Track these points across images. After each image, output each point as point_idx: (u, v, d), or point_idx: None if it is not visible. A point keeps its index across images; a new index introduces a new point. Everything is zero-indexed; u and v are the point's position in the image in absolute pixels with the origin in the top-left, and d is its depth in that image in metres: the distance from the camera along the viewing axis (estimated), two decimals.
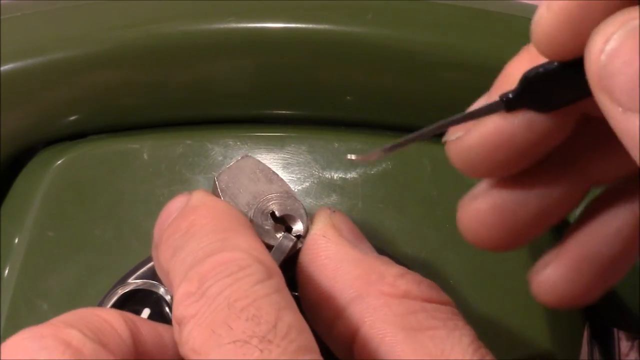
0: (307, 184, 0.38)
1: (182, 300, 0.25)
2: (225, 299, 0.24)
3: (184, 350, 0.25)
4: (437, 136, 0.40)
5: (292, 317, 0.24)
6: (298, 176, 0.38)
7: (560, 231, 0.42)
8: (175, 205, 0.29)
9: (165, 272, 0.28)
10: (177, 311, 0.25)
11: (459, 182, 0.38)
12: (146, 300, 0.34)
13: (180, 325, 0.25)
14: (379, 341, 0.27)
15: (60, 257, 0.37)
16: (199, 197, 0.29)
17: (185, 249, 0.27)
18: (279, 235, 0.30)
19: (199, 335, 0.24)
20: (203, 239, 0.27)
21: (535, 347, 0.37)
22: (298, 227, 0.30)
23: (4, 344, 0.25)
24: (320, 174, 0.38)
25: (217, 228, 0.27)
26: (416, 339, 0.26)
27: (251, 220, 0.30)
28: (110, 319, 0.27)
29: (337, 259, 0.29)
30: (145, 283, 0.34)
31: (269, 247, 0.30)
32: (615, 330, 0.53)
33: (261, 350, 0.23)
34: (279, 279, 0.26)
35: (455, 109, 0.39)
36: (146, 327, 0.28)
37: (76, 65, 0.38)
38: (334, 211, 0.31)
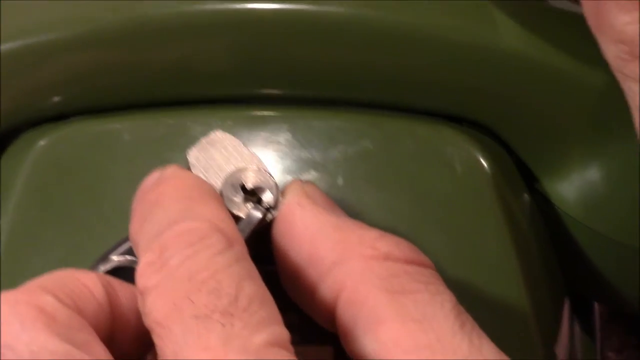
0: (288, 162, 0.38)
1: (144, 269, 0.26)
2: (186, 271, 0.25)
3: (148, 322, 0.25)
4: (420, 113, 0.41)
5: (253, 288, 0.25)
6: (279, 155, 0.39)
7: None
8: (150, 180, 0.30)
9: (135, 243, 0.29)
10: (140, 281, 0.26)
11: (441, 160, 0.39)
12: (128, 277, 0.35)
13: (143, 295, 0.25)
14: (362, 304, 0.27)
15: (44, 236, 0.37)
16: (170, 170, 0.29)
17: (151, 220, 0.27)
18: (248, 206, 0.30)
19: (162, 307, 0.24)
20: (168, 209, 0.27)
21: (515, 320, 0.38)
22: (267, 197, 0.31)
23: None
24: (301, 152, 0.39)
25: (182, 198, 0.28)
26: (399, 302, 0.26)
27: (221, 193, 0.30)
28: (88, 283, 0.27)
29: (315, 226, 0.29)
30: (126, 260, 0.34)
31: (240, 219, 0.30)
32: (596, 304, 0.53)
33: (223, 325, 0.23)
34: (240, 247, 0.26)
35: (436, 87, 0.40)
36: (124, 291, 0.28)
37: (58, 47, 0.39)
38: (306, 181, 0.32)
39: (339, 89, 0.41)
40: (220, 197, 0.30)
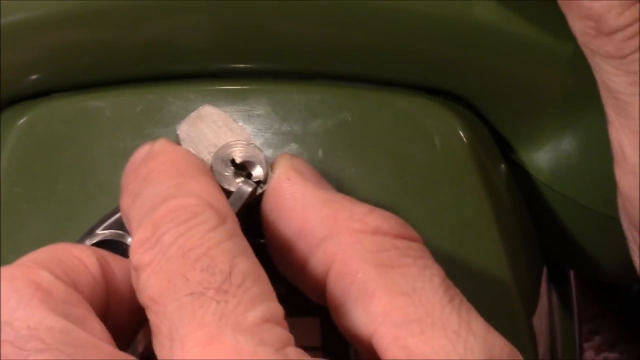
0: (268, 135, 0.39)
1: (138, 246, 0.26)
2: (179, 248, 0.25)
3: (142, 298, 0.25)
4: (398, 85, 0.41)
5: (246, 264, 0.25)
6: (259, 128, 0.39)
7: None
8: (140, 154, 0.30)
9: (127, 219, 0.29)
10: (134, 258, 0.26)
11: (419, 131, 0.39)
12: (114, 251, 0.35)
13: (137, 272, 0.26)
14: (352, 278, 0.27)
15: (28, 212, 0.37)
16: (160, 145, 0.29)
17: (143, 195, 0.27)
18: (238, 181, 0.30)
19: (156, 284, 0.25)
20: (160, 184, 0.27)
21: (497, 289, 0.38)
22: (257, 172, 0.31)
23: None
24: (281, 125, 0.39)
25: (174, 174, 0.28)
26: (388, 276, 0.27)
27: (211, 168, 0.30)
28: (83, 257, 0.27)
29: (304, 199, 0.29)
30: (112, 234, 0.35)
31: (230, 194, 0.30)
32: (572, 273, 0.54)
33: (217, 302, 0.24)
34: (232, 224, 0.26)
35: (412, 59, 0.40)
36: (118, 265, 0.29)
37: (37, 24, 0.38)
38: (294, 156, 0.32)
39: (317, 63, 0.41)
40: (211, 172, 0.30)
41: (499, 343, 0.26)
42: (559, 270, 0.52)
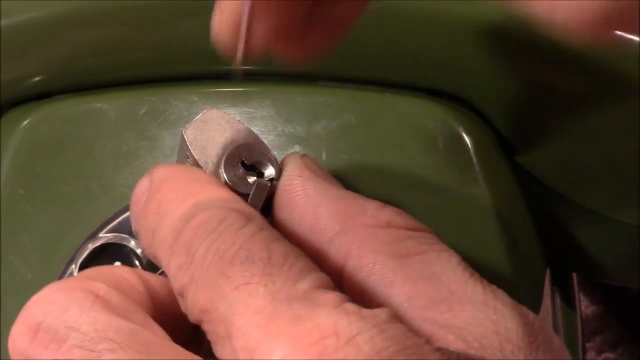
0: (272, 137, 0.39)
1: (177, 273, 0.26)
2: (214, 254, 0.25)
3: (194, 315, 0.25)
4: (401, 88, 0.41)
5: (283, 246, 0.25)
6: (262, 130, 0.39)
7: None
8: (141, 189, 0.30)
9: (153, 256, 0.28)
10: (175, 285, 0.26)
11: (423, 133, 0.39)
12: (117, 254, 0.35)
13: (183, 296, 0.26)
14: (369, 270, 0.27)
15: (32, 213, 0.37)
16: (159, 175, 0.29)
17: (162, 228, 0.27)
18: (251, 181, 0.30)
19: (203, 295, 0.24)
20: (175, 212, 0.27)
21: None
22: (269, 171, 0.31)
23: (33, 298, 0.25)
24: (284, 127, 0.39)
25: (185, 196, 0.28)
26: (407, 264, 0.27)
27: (223, 171, 0.30)
28: (124, 274, 0.28)
29: (316, 196, 0.29)
30: (115, 237, 0.35)
31: (244, 195, 0.30)
32: (574, 275, 0.54)
33: (265, 285, 0.23)
34: (259, 219, 0.26)
35: (414, 61, 0.40)
36: (158, 282, 0.29)
37: (42, 26, 0.38)
38: (303, 155, 0.32)
39: (320, 65, 0.41)
40: (218, 180, 0.30)
41: (524, 308, 0.26)
42: (562, 272, 0.52)
